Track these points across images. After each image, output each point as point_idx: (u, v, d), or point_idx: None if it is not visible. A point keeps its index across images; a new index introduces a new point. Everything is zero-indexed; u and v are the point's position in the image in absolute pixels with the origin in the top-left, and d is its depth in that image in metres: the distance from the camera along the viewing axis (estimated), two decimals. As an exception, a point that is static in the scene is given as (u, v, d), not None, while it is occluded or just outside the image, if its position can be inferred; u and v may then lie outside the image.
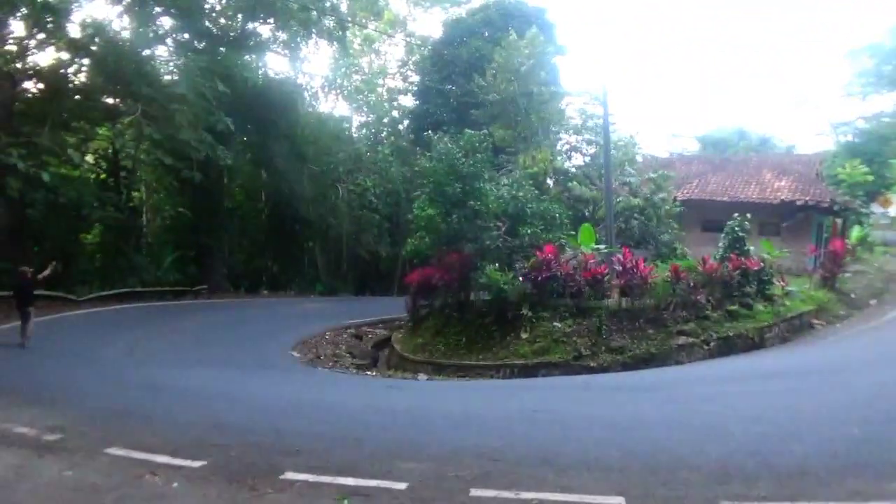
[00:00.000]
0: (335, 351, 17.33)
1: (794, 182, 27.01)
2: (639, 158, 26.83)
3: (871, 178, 39.73)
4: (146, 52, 26.79)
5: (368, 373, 15.35)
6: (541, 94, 25.51)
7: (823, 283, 20.49)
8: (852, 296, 20.71)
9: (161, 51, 28.57)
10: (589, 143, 25.65)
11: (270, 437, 6.52)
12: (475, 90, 26.88)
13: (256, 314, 23.13)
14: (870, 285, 22.58)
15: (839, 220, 30.37)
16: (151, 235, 31.07)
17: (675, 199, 24.06)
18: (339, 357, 16.72)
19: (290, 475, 5.14)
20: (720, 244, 18.46)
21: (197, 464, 5.38)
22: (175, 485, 4.91)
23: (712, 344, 14.29)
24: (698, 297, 15.11)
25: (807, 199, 25.66)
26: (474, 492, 4.88)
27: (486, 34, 31.14)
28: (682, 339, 14.07)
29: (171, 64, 28.32)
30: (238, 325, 19.92)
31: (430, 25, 67.27)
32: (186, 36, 29.12)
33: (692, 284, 15.31)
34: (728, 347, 14.37)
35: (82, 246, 27.59)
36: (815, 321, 17.39)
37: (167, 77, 27.05)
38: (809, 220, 26.36)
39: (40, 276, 13.92)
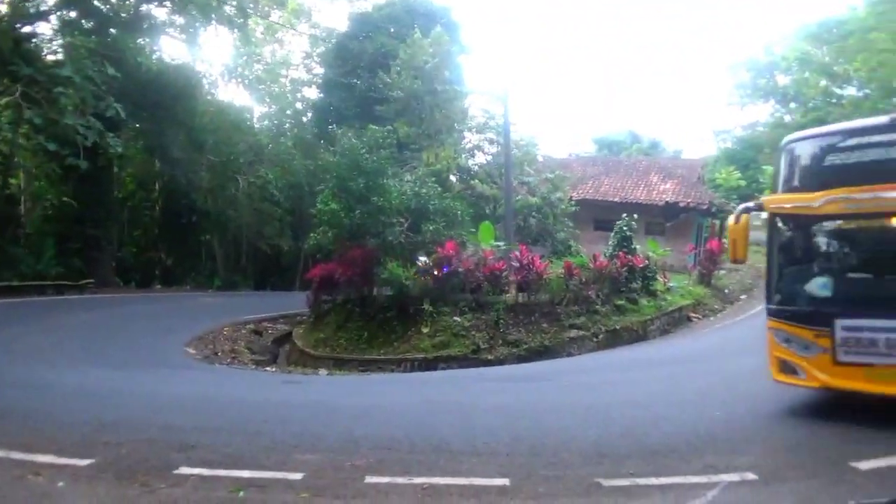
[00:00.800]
0: (233, 347, 16.94)
1: (678, 185, 28.95)
2: (539, 158, 27.81)
3: (743, 182, 43.26)
4: (26, 29, 24.96)
5: (268, 368, 15.16)
6: (445, 92, 25.91)
7: (701, 279, 22.18)
8: (725, 291, 22.55)
9: (43, 28, 26.70)
10: (491, 142, 26.35)
11: (163, 433, 6.43)
12: (380, 86, 26.92)
13: (148, 310, 22.15)
14: (741, 282, 24.64)
15: (717, 222, 32.80)
16: (31, 226, 28.96)
17: (570, 199, 25.19)
18: (238, 353, 16.36)
19: (184, 470, 5.13)
20: (610, 242, 19.58)
21: (84, 462, 5.25)
22: (60, 484, 4.79)
23: (601, 336, 15.19)
24: (589, 293, 15.99)
25: (689, 201, 27.60)
26: (369, 479, 5.08)
27: (392, 30, 31.19)
28: (573, 332, 14.87)
29: (55, 43, 26.51)
30: (128, 321, 19.02)
31: (336, 17, 66.47)
32: (73, 14, 27.34)
33: (584, 280, 16.18)
34: (615, 339, 15.34)
35: (-51, 236, 25.37)
36: (693, 314, 18.84)
37: (50, 57, 25.32)
38: (691, 220, 28.37)
39: None
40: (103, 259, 28.85)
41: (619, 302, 16.55)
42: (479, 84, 52.07)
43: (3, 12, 23.66)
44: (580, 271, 16.43)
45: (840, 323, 6.30)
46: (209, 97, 34.33)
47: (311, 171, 30.63)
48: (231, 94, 38.68)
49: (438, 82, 25.63)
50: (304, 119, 39.26)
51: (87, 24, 27.15)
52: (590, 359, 13.80)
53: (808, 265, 7.14)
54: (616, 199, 27.77)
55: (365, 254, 16.89)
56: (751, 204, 7.51)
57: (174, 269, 33.58)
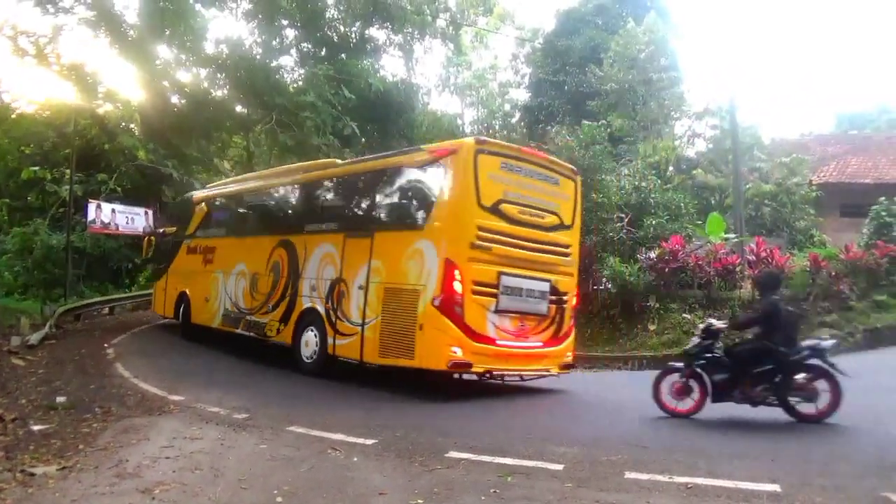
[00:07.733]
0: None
1: (948, 160, 24.65)
2: (766, 142, 25.48)
3: None
4: (273, 64, 28.63)
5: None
6: (660, 80, 24.79)
7: None
8: None
9: (285, 60, 30.42)
10: (713, 127, 24.67)
11: (427, 419, 7.13)
12: (591, 80, 26.49)
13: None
14: None
15: None
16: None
17: (810, 184, 22.65)
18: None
19: (453, 454, 5.61)
20: (864, 230, 17.33)
21: (369, 441, 5.99)
22: (355, 459, 5.51)
23: (858, 336, 13.52)
24: (841, 287, 14.31)
25: (965, 178, 23.35)
26: (629, 475, 5.10)
27: (601, 22, 30.49)
28: (825, 331, 13.38)
29: (296, 73, 30.10)
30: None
31: (541, 16, 66.89)
32: (308, 45, 30.82)
33: (833, 274, 14.52)
34: (876, 340, 13.53)
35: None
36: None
37: (293, 85, 28.79)
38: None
39: None
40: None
41: (880, 297, 14.56)
42: (696, 67, 48.90)
43: (256, 51, 27.34)
44: (828, 263, 14.77)
45: None
46: (425, 107, 36.56)
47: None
48: (443, 102, 40.85)
49: (653, 71, 24.61)
50: (513, 120, 39.97)
51: (320, 53, 30.42)
52: (853, 360, 12.33)
53: None
54: (868, 181, 24.34)
55: (584, 251, 16.77)
56: None
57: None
